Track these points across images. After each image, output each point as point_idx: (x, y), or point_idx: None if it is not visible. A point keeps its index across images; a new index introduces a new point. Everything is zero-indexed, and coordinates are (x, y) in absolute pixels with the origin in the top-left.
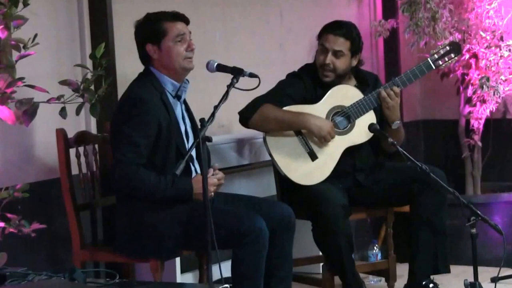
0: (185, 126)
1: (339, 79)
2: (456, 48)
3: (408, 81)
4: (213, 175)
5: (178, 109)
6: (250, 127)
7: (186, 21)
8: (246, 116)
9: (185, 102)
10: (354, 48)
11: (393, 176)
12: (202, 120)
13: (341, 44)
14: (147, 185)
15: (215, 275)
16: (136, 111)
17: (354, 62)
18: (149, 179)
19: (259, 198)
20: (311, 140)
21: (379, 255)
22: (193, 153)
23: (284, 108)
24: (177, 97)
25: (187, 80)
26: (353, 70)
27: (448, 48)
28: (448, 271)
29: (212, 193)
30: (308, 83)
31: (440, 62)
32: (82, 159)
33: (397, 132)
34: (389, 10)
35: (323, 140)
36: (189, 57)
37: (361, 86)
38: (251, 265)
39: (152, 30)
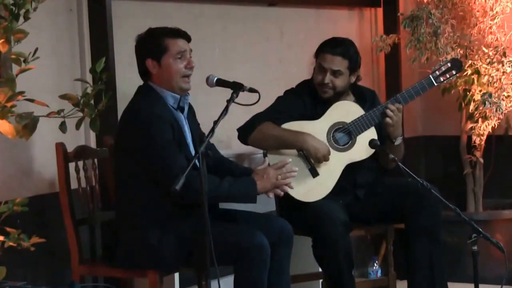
0: (192, 138)
1: (338, 95)
2: (457, 64)
3: (409, 98)
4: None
5: (182, 121)
6: (248, 145)
7: (187, 38)
8: (245, 134)
9: (193, 113)
10: (352, 66)
11: (389, 192)
12: (201, 135)
13: (339, 63)
14: (212, 186)
15: None
16: (158, 130)
17: (353, 79)
18: (212, 180)
19: (257, 214)
20: (312, 157)
21: (379, 272)
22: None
23: (285, 125)
24: (180, 109)
25: (187, 92)
26: (350, 86)
27: (449, 64)
28: None
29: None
30: (306, 99)
31: (442, 79)
32: (82, 173)
33: (398, 148)
34: (391, 25)
35: (317, 162)
36: (187, 75)
37: (359, 101)
38: (253, 281)
39: (153, 45)
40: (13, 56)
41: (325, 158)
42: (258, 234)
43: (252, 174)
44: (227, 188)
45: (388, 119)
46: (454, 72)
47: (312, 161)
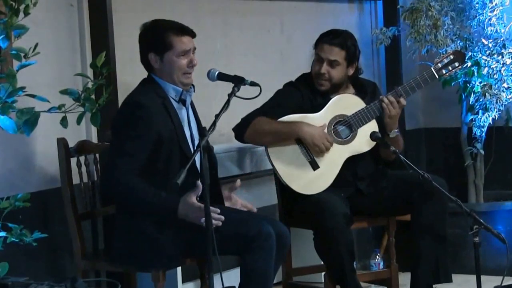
0: (190, 132)
1: (336, 88)
2: (460, 57)
3: (411, 91)
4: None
5: (183, 114)
6: (246, 142)
7: (193, 35)
8: (239, 132)
9: (192, 107)
10: (350, 57)
11: (394, 185)
12: (203, 129)
13: (336, 53)
14: (134, 195)
15: (217, 285)
16: (133, 118)
17: (351, 71)
18: (140, 188)
19: (257, 215)
20: (309, 144)
21: (381, 264)
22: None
23: (284, 118)
24: (182, 101)
25: (192, 85)
26: (351, 79)
27: (452, 57)
28: (450, 281)
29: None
30: (305, 92)
31: (444, 72)
32: (83, 168)
33: (396, 141)
34: (391, 17)
35: (317, 149)
36: (189, 72)
37: (359, 94)
38: (260, 270)
39: (157, 40)
40: (13, 52)
41: (324, 144)
42: (263, 222)
43: (182, 199)
44: (150, 200)
45: (386, 109)
46: (457, 65)
47: (312, 154)
